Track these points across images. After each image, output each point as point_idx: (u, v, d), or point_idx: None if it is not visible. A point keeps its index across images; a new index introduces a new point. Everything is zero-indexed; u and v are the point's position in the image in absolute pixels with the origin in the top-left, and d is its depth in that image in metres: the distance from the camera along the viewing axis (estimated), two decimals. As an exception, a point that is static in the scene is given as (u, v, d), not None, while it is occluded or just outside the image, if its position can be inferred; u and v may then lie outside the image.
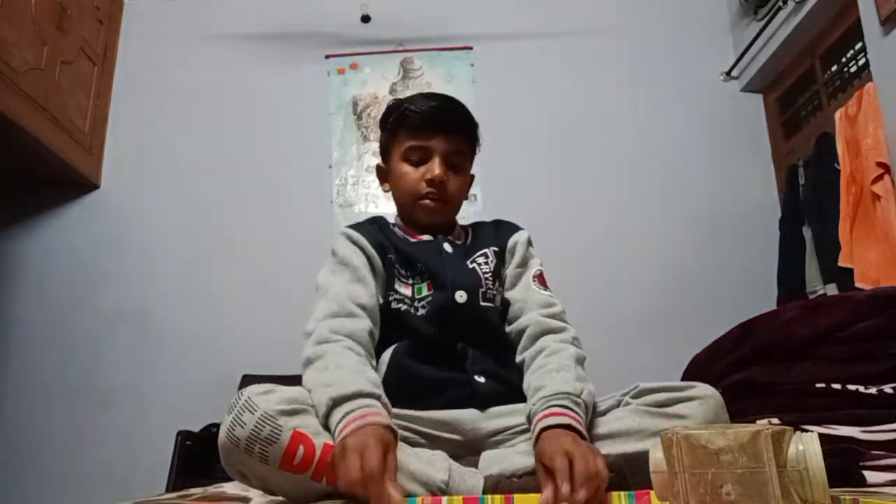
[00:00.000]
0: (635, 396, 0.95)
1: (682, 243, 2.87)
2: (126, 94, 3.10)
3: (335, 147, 3.04)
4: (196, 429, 2.34)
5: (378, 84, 3.10)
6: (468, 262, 1.15)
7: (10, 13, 2.35)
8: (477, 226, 1.28)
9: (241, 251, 2.90)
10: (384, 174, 1.25)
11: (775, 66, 2.90)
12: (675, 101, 3.04)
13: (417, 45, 3.13)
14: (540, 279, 1.17)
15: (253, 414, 0.77)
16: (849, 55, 2.53)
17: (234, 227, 2.93)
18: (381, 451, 0.74)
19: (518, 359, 1.08)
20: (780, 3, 2.66)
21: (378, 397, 0.86)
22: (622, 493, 0.76)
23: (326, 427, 0.83)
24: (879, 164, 2.06)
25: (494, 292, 1.15)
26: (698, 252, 2.86)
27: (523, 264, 1.19)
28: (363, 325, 1.01)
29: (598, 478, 0.74)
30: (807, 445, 0.54)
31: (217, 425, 0.79)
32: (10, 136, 2.47)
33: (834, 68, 2.65)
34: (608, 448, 0.86)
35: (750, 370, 1.10)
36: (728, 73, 3.06)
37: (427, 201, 1.15)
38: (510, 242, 1.21)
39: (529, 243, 1.22)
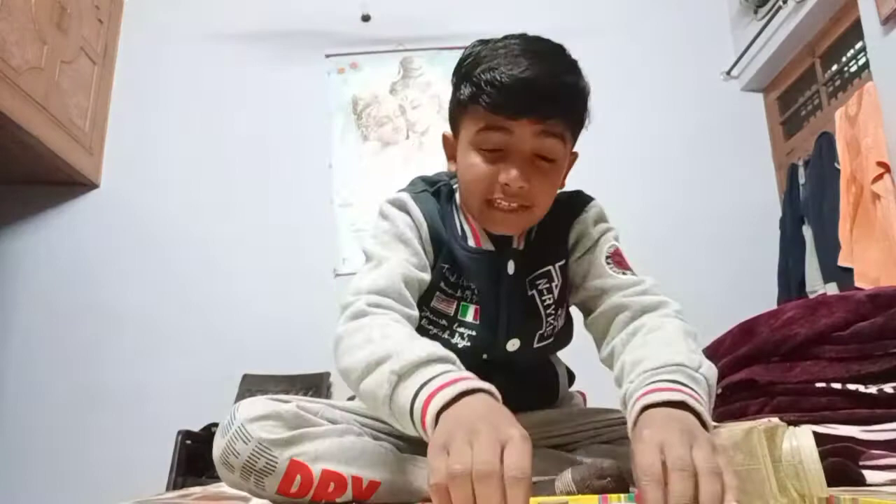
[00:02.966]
0: None
1: (682, 243, 2.87)
2: (126, 94, 3.10)
3: (335, 147, 3.04)
4: (196, 428, 2.34)
5: (378, 84, 3.10)
6: (528, 286, 0.91)
7: (10, 13, 2.35)
8: (549, 217, 0.92)
9: (241, 251, 2.90)
10: (452, 148, 0.92)
11: (775, 66, 2.90)
12: (675, 100, 3.04)
13: (417, 44, 3.13)
14: (615, 258, 0.91)
15: (247, 444, 0.73)
16: (849, 55, 2.54)
17: (234, 226, 2.93)
18: (518, 432, 0.51)
19: (604, 354, 0.86)
20: (781, 3, 2.66)
21: (454, 361, 0.65)
22: (621, 495, 0.77)
23: (388, 420, 0.66)
24: (879, 164, 2.07)
25: (555, 325, 0.94)
26: (698, 252, 2.85)
27: (591, 249, 0.92)
28: (413, 314, 0.81)
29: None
30: (800, 440, 0.54)
31: (217, 425, 0.79)
32: (10, 136, 2.47)
33: (834, 68, 2.65)
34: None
35: (750, 370, 1.09)
36: (728, 73, 3.06)
37: (498, 212, 0.85)
38: (572, 238, 0.94)
39: (597, 221, 0.95)
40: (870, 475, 0.84)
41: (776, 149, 3.01)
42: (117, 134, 3.05)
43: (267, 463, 0.73)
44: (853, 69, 2.52)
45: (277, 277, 2.84)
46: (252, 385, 2.57)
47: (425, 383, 0.61)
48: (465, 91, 0.85)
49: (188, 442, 2.29)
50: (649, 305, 0.83)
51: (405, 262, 0.84)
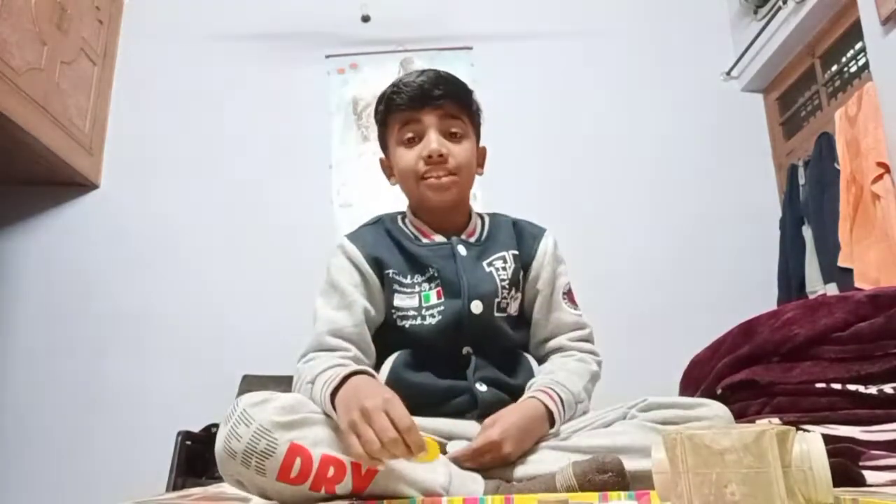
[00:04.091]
0: (643, 410, 0.92)
1: (682, 243, 2.87)
2: (126, 94, 3.10)
3: (335, 147, 3.04)
4: (196, 429, 2.34)
5: (378, 84, 3.06)
6: (484, 265, 1.10)
7: (10, 13, 2.35)
8: (494, 220, 1.19)
9: (241, 251, 2.90)
10: (388, 168, 1.18)
11: (775, 66, 2.90)
12: (675, 101, 3.04)
13: (417, 45, 3.13)
14: (569, 296, 1.15)
15: (248, 427, 0.75)
16: (849, 55, 2.54)
17: (234, 226, 2.93)
18: (392, 396, 0.78)
19: (537, 365, 1.12)
20: (780, 3, 2.67)
21: (346, 363, 0.93)
22: (622, 493, 0.77)
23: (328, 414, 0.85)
24: (879, 164, 2.07)
25: (509, 301, 1.10)
26: (698, 252, 2.85)
27: (553, 281, 1.14)
28: (334, 352, 1.02)
29: (493, 450, 0.89)
30: (811, 445, 0.54)
31: (217, 425, 0.79)
32: (10, 136, 2.47)
33: (834, 68, 2.65)
34: None
35: (750, 370, 1.09)
36: (728, 73, 3.06)
37: (431, 180, 1.07)
38: (538, 254, 1.14)
39: (556, 250, 1.16)
40: (870, 476, 0.84)
41: (776, 149, 3.01)
42: (117, 134, 3.05)
43: (267, 445, 0.75)
44: (853, 69, 2.52)
45: (277, 277, 2.84)
46: (252, 386, 2.56)
47: (326, 381, 0.87)
48: (383, 108, 1.12)
49: (188, 443, 2.28)
50: (582, 350, 1.12)
51: (332, 311, 1.05)
